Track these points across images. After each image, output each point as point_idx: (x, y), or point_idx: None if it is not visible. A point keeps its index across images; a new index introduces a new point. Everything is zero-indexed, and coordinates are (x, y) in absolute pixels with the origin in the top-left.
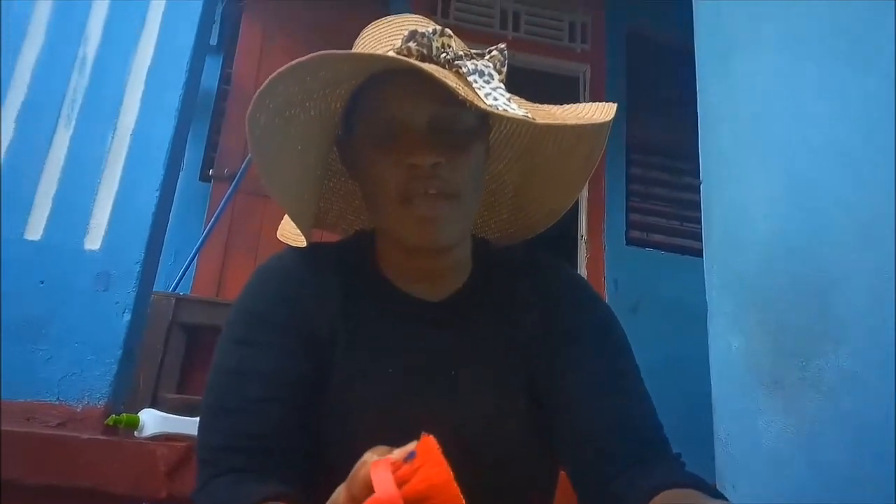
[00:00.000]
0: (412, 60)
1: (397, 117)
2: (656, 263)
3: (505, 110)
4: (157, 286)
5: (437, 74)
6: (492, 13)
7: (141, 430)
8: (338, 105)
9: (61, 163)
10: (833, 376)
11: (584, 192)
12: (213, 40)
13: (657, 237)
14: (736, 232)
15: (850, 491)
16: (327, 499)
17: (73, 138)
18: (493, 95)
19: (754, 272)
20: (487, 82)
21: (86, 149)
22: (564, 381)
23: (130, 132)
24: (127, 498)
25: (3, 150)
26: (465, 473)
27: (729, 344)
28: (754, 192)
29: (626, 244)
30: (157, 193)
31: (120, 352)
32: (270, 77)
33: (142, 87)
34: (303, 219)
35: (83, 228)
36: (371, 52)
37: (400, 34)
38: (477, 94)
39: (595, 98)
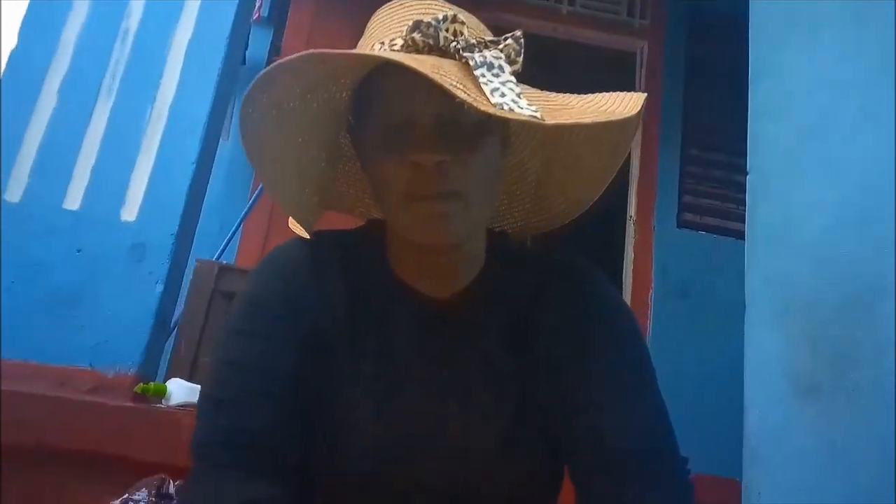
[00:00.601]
0: (407, 61)
1: (401, 113)
2: (709, 248)
3: (511, 109)
4: (202, 254)
5: (435, 72)
6: None
7: (168, 399)
8: (344, 94)
9: (101, 134)
10: (871, 390)
11: (636, 172)
12: (265, 12)
13: (711, 220)
14: (781, 229)
15: None
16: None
17: (112, 110)
18: (501, 91)
19: (797, 273)
20: (496, 76)
21: (125, 121)
22: (569, 389)
23: (169, 105)
24: (151, 465)
25: (46, 122)
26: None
27: (765, 346)
28: (804, 189)
29: (678, 227)
30: (194, 166)
31: (152, 322)
32: (257, 76)
33: (182, 59)
34: (303, 213)
35: (120, 200)
36: (379, 39)
37: (410, 20)
38: (482, 90)
39: (652, 77)
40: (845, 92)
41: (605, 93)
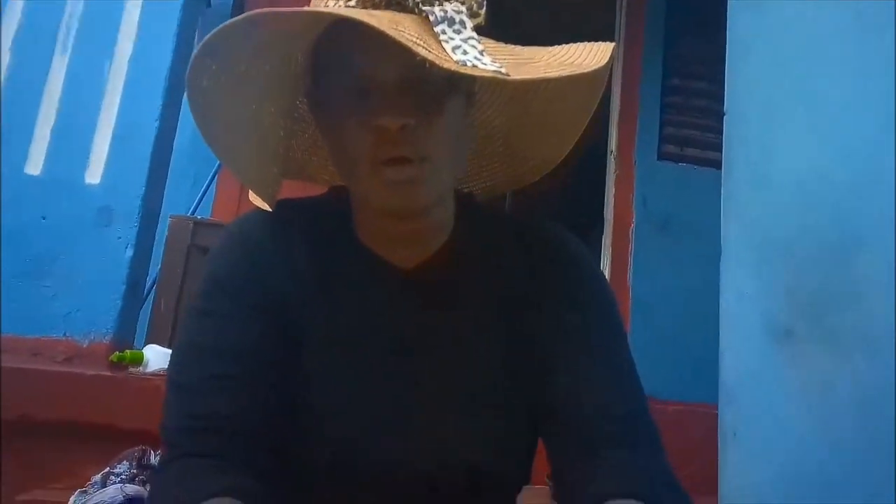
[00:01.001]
0: (363, 17)
1: (361, 75)
2: (689, 179)
3: (474, 66)
4: (177, 210)
5: (393, 27)
6: None
7: (145, 366)
8: (300, 55)
9: (59, 93)
10: (847, 335)
11: (616, 106)
12: None
13: (692, 151)
14: (759, 173)
15: (854, 452)
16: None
17: (70, 66)
18: (463, 48)
19: (774, 216)
20: (458, 32)
21: (84, 78)
22: (538, 350)
23: (128, 58)
24: (131, 433)
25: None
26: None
27: (741, 289)
28: (784, 131)
29: (658, 159)
30: (157, 123)
31: (124, 287)
32: (204, 39)
33: (139, 9)
34: (262, 185)
35: (83, 162)
36: None
37: None
38: (444, 47)
39: (633, 10)
40: (833, 25)
41: (573, 44)
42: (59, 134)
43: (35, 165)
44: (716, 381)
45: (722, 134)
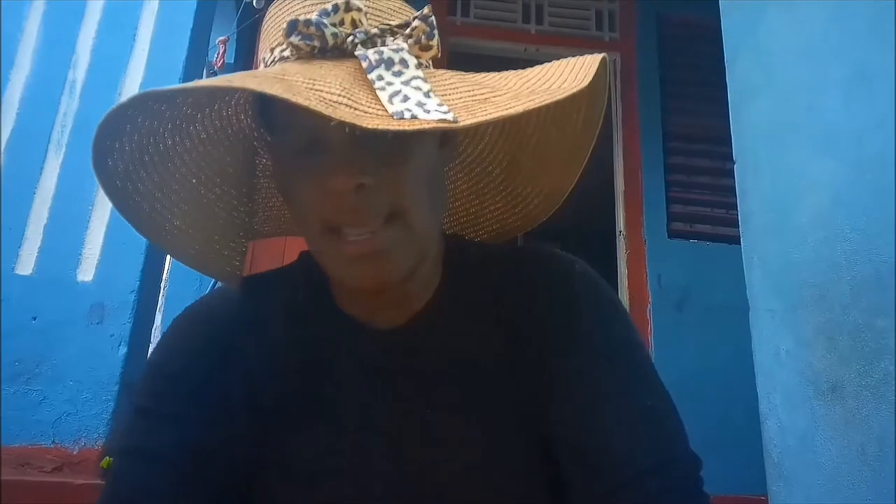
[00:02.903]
0: (266, 87)
1: (307, 135)
2: (702, 255)
3: (414, 117)
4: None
5: (310, 88)
6: (514, 7)
7: None
8: (242, 116)
9: (52, 192)
10: None
11: (620, 186)
12: (230, 58)
13: (701, 227)
14: (777, 215)
15: None
16: None
17: (63, 165)
18: (403, 93)
19: (802, 262)
20: (398, 74)
21: (77, 175)
22: (555, 393)
23: None
24: None
25: None
26: None
27: (776, 347)
28: (796, 168)
29: (669, 237)
30: None
31: (117, 387)
32: (106, 113)
33: None
34: (224, 266)
35: (76, 259)
36: (269, 46)
37: (306, 13)
38: (378, 97)
39: (628, 88)
40: (835, 57)
41: (555, 62)
42: (51, 232)
43: (26, 265)
44: (753, 469)
45: (729, 209)
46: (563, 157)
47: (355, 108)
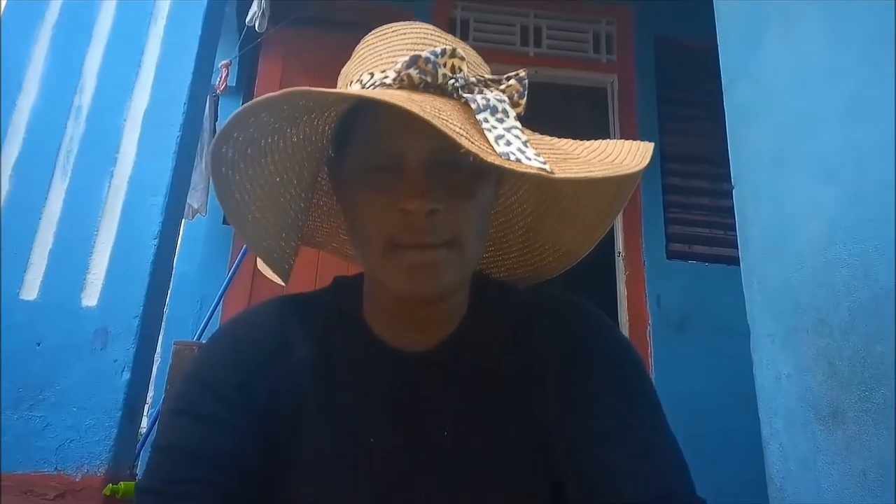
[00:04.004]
0: (406, 104)
1: (390, 154)
2: (701, 276)
3: (518, 160)
4: (185, 335)
5: (436, 116)
6: (512, 30)
7: None
8: (327, 128)
9: (57, 217)
10: None
11: None
12: (232, 81)
13: (700, 248)
14: (776, 240)
15: None
16: None
17: (68, 190)
18: (507, 139)
19: (801, 287)
20: (500, 121)
21: (82, 200)
22: (567, 431)
23: (127, 180)
24: None
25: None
26: None
27: (777, 371)
28: (795, 193)
29: (668, 258)
30: (155, 242)
31: (120, 413)
32: (236, 112)
33: (138, 132)
34: (280, 259)
35: (80, 284)
36: (368, 69)
37: (404, 50)
38: (486, 137)
39: (625, 110)
40: (833, 82)
41: (608, 140)
42: (55, 258)
43: (31, 291)
44: (755, 494)
45: (727, 231)
46: (587, 222)
47: (472, 142)
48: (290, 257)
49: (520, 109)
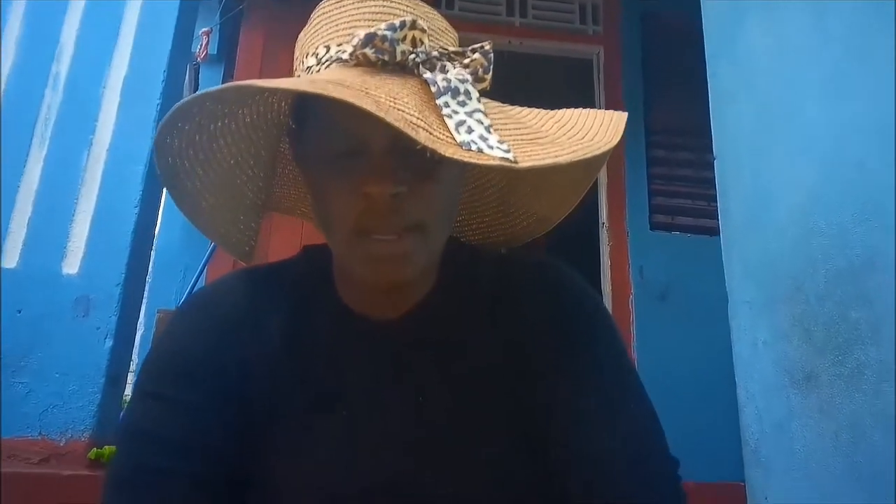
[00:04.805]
0: (356, 99)
1: (352, 139)
2: (684, 247)
3: (480, 150)
4: (168, 303)
5: (392, 108)
6: (498, 0)
7: None
8: (283, 104)
9: (36, 185)
10: (874, 371)
11: (603, 179)
12: (213, 49)
13: (683, 220)
14: (756, 212)
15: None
16: None
17: (47, 158)
18: (468, 124)
19: (779, 256)
20: (462, 104)
21: (61, 168)
22: (543, 401)
23: (107, 148)
24: None
25: None
26: None
27: (754, 338)
28: (776, 167)
29: (651, 229)
30: (137, 210)
31: (103, 380)
32: (176, 105)
33: (118, 99)
34: (240, 244)
35: (60, 252)
36: (324, 42)
37: (362, 21)
38: (446, 124)
39: (610, 82)
40: (813, 60)
41: (580, 110)
42: (35, 225)
43: (11, 259)
44: (731, 456)
45: (710, 202)
46: (559, 192)
47: (431, 133)
48: (252, 239)
49: (485, 85)
